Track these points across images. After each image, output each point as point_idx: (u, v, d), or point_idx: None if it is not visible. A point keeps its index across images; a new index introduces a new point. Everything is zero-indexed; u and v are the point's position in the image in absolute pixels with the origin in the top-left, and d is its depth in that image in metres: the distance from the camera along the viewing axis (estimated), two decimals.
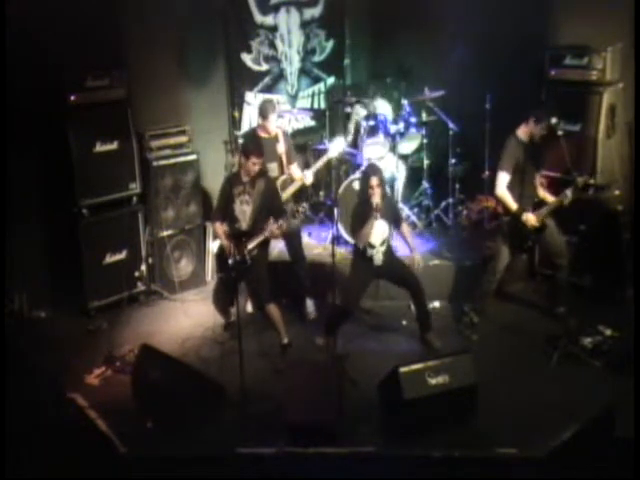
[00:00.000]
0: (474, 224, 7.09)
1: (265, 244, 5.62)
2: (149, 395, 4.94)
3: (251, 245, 5.44)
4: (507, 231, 5.83)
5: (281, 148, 6.16)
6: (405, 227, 5.86)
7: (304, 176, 6.21)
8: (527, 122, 5.70)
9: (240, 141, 7.04)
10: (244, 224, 5.57)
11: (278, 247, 6.54)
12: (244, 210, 5.59)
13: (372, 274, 5.75)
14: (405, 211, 7.09)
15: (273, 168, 6.11)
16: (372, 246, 5.57)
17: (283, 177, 6.19)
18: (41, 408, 4.45)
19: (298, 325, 6.18)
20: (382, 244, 5.60)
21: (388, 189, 6.28)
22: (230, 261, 5.48)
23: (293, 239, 6.27)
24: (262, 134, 6.13)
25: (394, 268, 5.73)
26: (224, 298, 5.87)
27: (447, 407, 4.71)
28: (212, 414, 4.92)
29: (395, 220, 5.73)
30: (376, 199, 5.44)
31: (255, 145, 5.69)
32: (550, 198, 5.77)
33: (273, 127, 6.13)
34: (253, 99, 7.66)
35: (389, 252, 5.70)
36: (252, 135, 6.28)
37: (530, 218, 5.65)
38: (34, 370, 4.94)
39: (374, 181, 5.48)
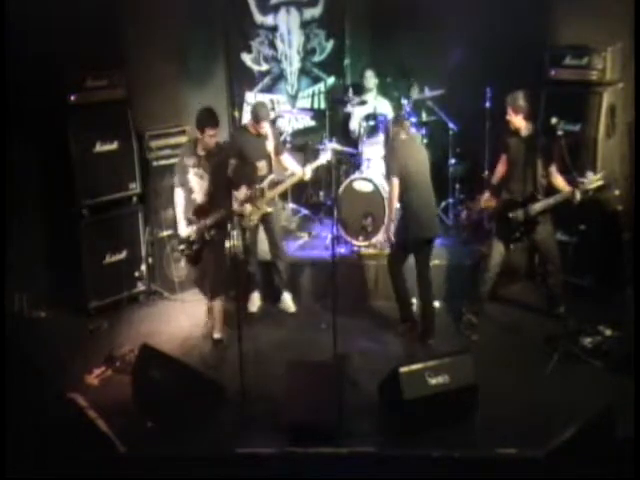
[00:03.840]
0: (474, 224, 7.09)
1: (223, 228, 5.56)
2: (149, 395, 4.95)
3: (210, 221, 5.48)
4: (495, 224, 5.83)
5: (270, 145, 6.14)
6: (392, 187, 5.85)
7: (304, 172, 6.16)
8: None
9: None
10: (198, 197, 5.56)
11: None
12: (199, 183, 5.56)
13: None
14: None
15: (262, 167, 6.09)
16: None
17: (271, 176, 6.13)
18: (41, 408, 4.44)
19: (297, 324, 6.19)
20: None
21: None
22: (187, 230, 5.56)
23: (270, 225, 6.23)
24: (252, 131, 6.08)
25: None
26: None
27: (447, 407, 4.71)
28: (212, 414, 4.93)
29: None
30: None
31: (209, 115, 5.49)
32: (565, 186, 5.58)
33: (263, 131, 6.07)
34: (253, 99, 7.66)
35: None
36: (242, 130, 6.26)
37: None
38: (34, 370, 4.93)
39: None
